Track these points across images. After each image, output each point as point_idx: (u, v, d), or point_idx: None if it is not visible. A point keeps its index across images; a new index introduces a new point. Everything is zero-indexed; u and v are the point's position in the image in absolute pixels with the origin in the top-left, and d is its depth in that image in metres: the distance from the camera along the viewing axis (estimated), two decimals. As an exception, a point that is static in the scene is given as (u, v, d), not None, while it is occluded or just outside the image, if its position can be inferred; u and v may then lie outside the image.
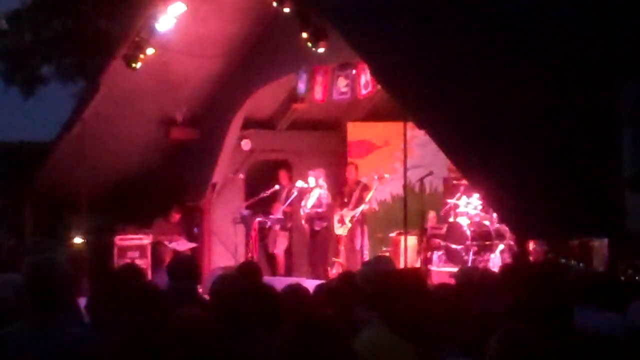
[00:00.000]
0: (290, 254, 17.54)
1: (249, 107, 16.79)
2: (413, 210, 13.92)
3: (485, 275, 8.09)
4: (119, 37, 16.07)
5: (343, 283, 7.71)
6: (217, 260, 17.20)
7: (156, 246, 16.97)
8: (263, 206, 16.97)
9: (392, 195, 17.10)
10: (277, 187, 16.78)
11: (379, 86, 13.60)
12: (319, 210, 16.01)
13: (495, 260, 14.05)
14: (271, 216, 16.72)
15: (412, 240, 14.70)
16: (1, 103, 32.13)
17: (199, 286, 14.39)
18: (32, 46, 29.62)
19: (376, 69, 12.69)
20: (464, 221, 14.56)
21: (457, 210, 14.95)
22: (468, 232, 14.26)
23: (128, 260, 15.48)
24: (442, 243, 14.79)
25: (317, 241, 16.18)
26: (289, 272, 16.99)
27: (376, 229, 16.46)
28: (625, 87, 10.47)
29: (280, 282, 9.10)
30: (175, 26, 14.71)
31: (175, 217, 17.36)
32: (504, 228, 13.91)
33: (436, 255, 14.93)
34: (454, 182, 15.16)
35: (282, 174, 17.13)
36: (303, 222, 16.29)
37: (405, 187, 13.75)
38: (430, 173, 14.91)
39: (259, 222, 16.47)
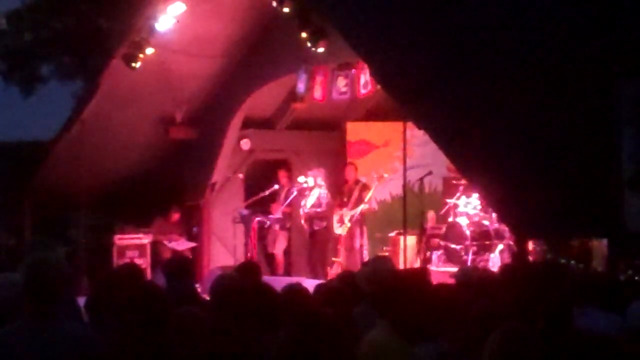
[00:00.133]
0: (289, 253, 17.54)
1: (248, 106, 16.79)
2: (412, 210, 13.93)
3: (484, 275, 8.10)
4: (118, 37, 16.06)
5: (343, 283, 7.72)
6: (217, 260, 17.20)
7: (155, 245, 16.96)
8: (262, 206, 16.97)
9: (391, 195, 17.10)
10: (276, 186, 16.78)
11: (378, 86, 13.59)
12: (319, 210, 16.01)
13: (494, 260, 14.04)
14: (270, 216, 16.71)
15: (411, 240, 14.70)
16: (1, 102, 32.13)
17: (198, 285, 14.47)
18: (32, 46, 29.61)
19: (376, 69, 12.69)
20: (463, 221, 14.55)
21: (457, 210, 14.94)
22: (467, 232, 14.26)
23: (127, 260, 15.50)
24: (442, 243, 14.79)
25: (317, 241, 16.18)
26: (288, 272, 16.99)
27: (375, 229, 16.46)
28: (625, 87, 10.46)
29: (279, 282, 9.09)
30: (174, 26, 14.71)
31: (175, 216, 17.36)
32: (504, 228, 13.91)
33: (435, 255, 14.93)
34: (454, 181, 15.15)
35: (282, 174, 17.14)
36: (302, 221, 16.29)
37: (404, 187, 13.74)
38: (430, 173, 14.91)
39: (259, 222, 16.47)
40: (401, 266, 13.60)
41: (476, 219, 14.62)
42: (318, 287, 7.80)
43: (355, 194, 15.73)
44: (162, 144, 17.58)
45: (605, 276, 9.61)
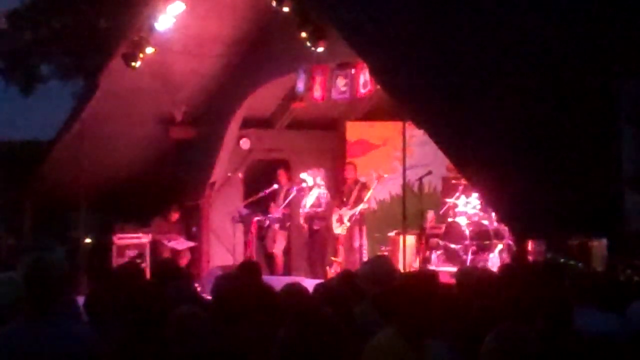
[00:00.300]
0: (288, 253, 17.52)
1: (248, 106, 16.79)
2: (412, 209, 13.92)
3: (484, 275, 8.10)
4: (118, 36, 16.06)
5: (342, 282, 7.71)
6: (216, 259, 17.21)
7: (155, 245, 16.96)
8: (262, 205, 16.97)
9: (390, 194, 17.08)
10: (275, 186, 16.77)
11: (377, 86, 13.59)
12: (318, 210, 16.00)
13: (494, 260, 14.03)
14: (270, 215, 16.72)
15: (410, 240, 14.68)
16: (0, 102, 32.11)
17: (197, 285, 14.46)
18: (32, 45, 29.61)
19: (375, 69, 12.69)
20: (462, 221, 14.54)
21: (456, 210, 14.93)
22: (467, 232, 14.25)
23: (126, 259, 15.51)
24: (441, 242, 14.77)
25: (316, 240, 16.17)
26: (287, 272, 16.97)
27: (375, 229, 16.45)
28: (625, 87, 10.46)
29: (278, 282, 9.09)
30: (174, 25, 14.71)
31: (174, 216, 17.36)
32: (503, 228, 13.90)
33: (435, 254, 14.91)
34: (453, 181, 15.14)
35: (281, 173, 17.12)
36: (302, 221, 16.28)
37: (404, 186, 13.74)
38: (429, 173, 14.90)
39: (258, 222, 16.47)
40: (400, 266, 13.59)
41: (475, 218, 14.61)
42: (317, 287, 7.80)
43: (355, 193, 15.72)
44: (162, 143, 17.59)
45: (605, 276, 9.61)
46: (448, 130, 11.34)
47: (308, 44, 13.71)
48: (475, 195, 14.45)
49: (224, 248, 17.26)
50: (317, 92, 15.32)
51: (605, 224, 10.41)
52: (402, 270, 12.18)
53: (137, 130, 17.08)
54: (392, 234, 15.42)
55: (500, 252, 14.24)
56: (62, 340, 4.80)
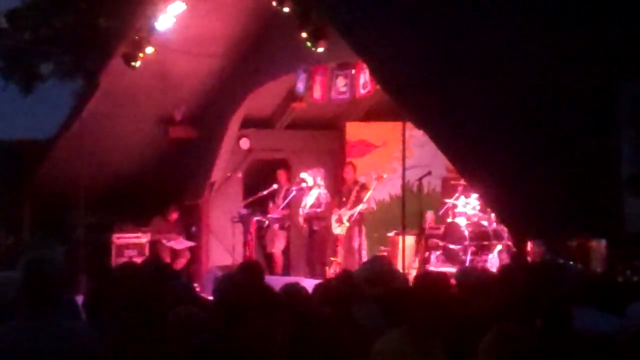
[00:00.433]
0: (288, 253, 17.53)
1: (247, 106, 16.80)
2: (411, 210, 13.93)
3: (484, 276, 8.10)
4: (118, 36, 16.06)
5: (341, 282, 7.71)
6: (215, 259, 17.22)
7: (154, 245, 16.97)
8: (261, 205, 16.98)
9: (390, 195, 17.09)
10: (275, 186, 16.77)
11: (377, 86, 13.60)
12: (318, 210, 16.00)
13: (493, 261, 14.05)
14: (269, 215, 16.72)
15: (410, 240, 14.70)
16: (0, 101, 32.07)
17: (196, 285, 14.47)
18: (31, 44, 29.58)
19: (375, 69, 12.70)
20: (462, 221, 14.56)
21: (456, 211, 14.95)
22: (466, 232, 14.26)
23: (126, 259, 15.51)
24: (440, 243, 14.79)
25: (315, 241, 16.17)
26: (286, 272, 16.98)
27: (374, 229, 16.47)
28: (624, 88, 10.46)
29: (278, 281, 9.09)
30: (174, 25, 14.71)
31: (174, 216, 17.36)
32: (502, 228, 13.92)
33: (434, 255, 14.93)
34: (453, 182, 15.15)
35: (281, 173, 17.12)
36: (301, 221, 16.28)
37: (403, 187, 13.74)
38: (429, 173, 14.91)
39: (257, 221, 16.48)
40: (400, 266, 13.60)
41: (475, 219, 14.63)
42: (317, 287, 7.81)
43: (354, 193, 15.72)
44: (162, 143, 17.60)
45: (604, 277, 9.61)
46: (448, 130, 11.34)
47: (308, 44, 13.71)
48: (474, 195, 14.46)
49: (223, 248, 17.27)
50: (317, 92, 15.33)
51: (605, 225, 10.41)
52: (401, 271, 12.19)
53: (136, 130, 17.08)
54: (391, 234, 15.44)
55: (500, 252, 14.26)
56: (61, 339, 4.81)
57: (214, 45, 15.98)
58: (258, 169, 18.11)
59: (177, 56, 15.59)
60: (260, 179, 17.55)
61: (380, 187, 16.24)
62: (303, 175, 16.25)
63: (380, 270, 7.30)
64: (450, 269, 13.62)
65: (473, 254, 14.17)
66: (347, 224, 15.66)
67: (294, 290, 7.05)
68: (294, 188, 16.36)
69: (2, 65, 29.88)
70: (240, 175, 17.72)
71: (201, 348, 5.31)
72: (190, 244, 17.30)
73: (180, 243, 17.16)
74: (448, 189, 15.58)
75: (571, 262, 10.63)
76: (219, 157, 17.09)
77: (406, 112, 12.49)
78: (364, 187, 15.75)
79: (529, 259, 11.24)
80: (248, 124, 17.49)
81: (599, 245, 10.84)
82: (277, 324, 5.71)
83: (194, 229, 17.59)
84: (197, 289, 13.01)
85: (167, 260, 16.29)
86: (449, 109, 11.36)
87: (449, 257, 14.54)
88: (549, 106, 10.90)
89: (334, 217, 15.85)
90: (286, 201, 16.38)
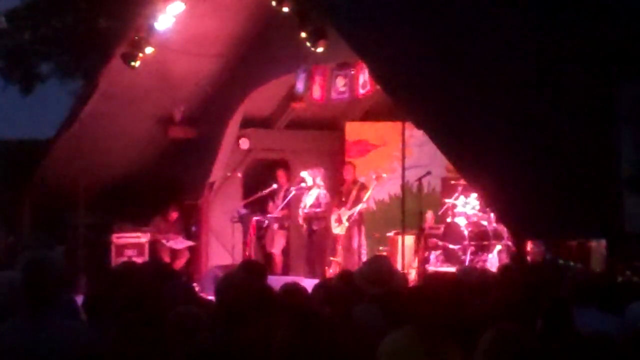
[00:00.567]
0: (287, 253, 17.53)
1: (247, 106, 16.78)
2: (411, 210, 13.92)
3: (483, 276, 8.10)
4: (117, 36, 16.05)
5: (341, 282, 7.72)
6: (215, 259, 17.20)
7: (153, 244, 16.96)
8: (261, 205, 16.98)
9: (389, 195, 17.09)
10: (275, 186, 16.77)
11: (377, 86, 13.59)
12: (317, 210, 15.99)
13: (492, 261, 14.05)
14: (269, 215, 16.72)
15: (409, 240, 14.70)
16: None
17: (196, 284, 14.46)
18: (31, 44, 29.58)
19: (375, 69, 12.69)
20: (461, 221, 14.55)
21: (455, 210, 14.94)
22: (466, 232, 14.26)
23: (125, 259, 15.50)
24: (440, 243, 14.79)
25: (315, 241, 16.16)
26: (286, 272, 16.97)
27: (374, 229, 16.45)
28: (624, 88, 10.46)
29: (277, 281, 9.09)
30: (174, 25, 14.70)
31: (173, 215, 17.34)
32: (502, 228, 13.92)
33: (434, 255, 14.93)
34: (452, 182, 15.15)
35: (280, 173, 17.12)
36: (301, 221, 16.28)
37: (403, 186, 13.74)
38: (428, 173, 14.89)
39: (257, 221, 16.47)
40: (399, 266, 13.60)
41: (474, 219, 14.62)
42: (316, 287, 7.81)
43: (354, 193, 15.72)
44: (161, 142, 17.59)
45: (604, 277, 9.62)
46: (447, 130, 11.33)
47: (308, 44, 13.69)
48: (474, 195, 14.47)
49: (223, 248, 17.26)
50: (317, 92, 15.33)
51: (604, 225, 10.41)
52: (400, 271, 12.19)
53: (136, 130, 17.07)
54: (391, 234, 15.43)
55: (499, 252, 14.26)
56: (60, 339, 4.81)
57: (213, 45, 15.98)
58: (257, 168, 18.11)
59: (177, 56, 15.58)
60: (259, 178, 17.54)
61: (380, 187, 16.24)
62: (303, 174, 16.24)
63: (380, 270, 7.29)
64: (450, 269, 13.64)
65: (472, 253, 14.17)
66: (347, 224, 15.66)
67: (294, 290, 7.06)
68: (293, 188, 16.35)
69: (2, 65, 29.91)
70: (239, 175, 17.71)
71: (201, 348, 5.30)
72: (190, 243, 17.28)
73: (180, 243, 17.15)
74: (448, 189, 15.58)
75: (571, 262, 10.64)
76: (218, 157, 17.08)
77: (406, 112, 12.48)
78: (363, 187, 15.75)
79: (528, 259, 11.25)
80: (247, 123, 17.49)
81: (599, 245, 10.85)
82: (276, 324, 5.71)
83: (193, 228, 17.57)
84: (197, 289, 13.03)
85: (167, 260, 16.30)
86: (448, 109, 11.35)
87: (449, 257, 14.54)
88: (548, 106, 10.90)
89: (333, 217, 15.85)
90: (286, 201, 16.37)
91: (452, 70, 11.45)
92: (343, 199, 15.85)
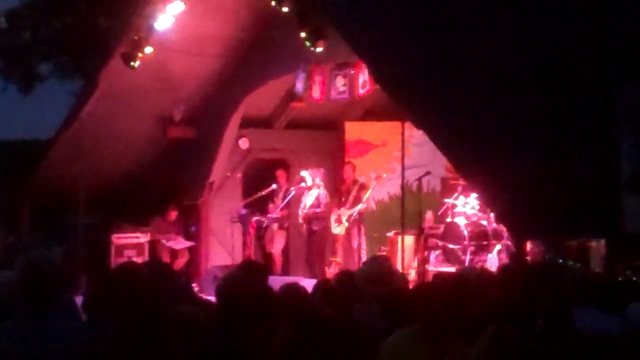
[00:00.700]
0: (287, 253, 17.52)
1: (246, 106, 16.79)
2: (410, 210, 13.92)
3: (483, 276, 8.10)
4: (117, 36, 16.06)
5: (341, 282, 7.71)
6: (214, 259, 17.20)
7: (153, 245, 16.95)
8: (260, 205, 16.97)
9: (389, 194, 17.09)
10: (274, 186, 16.77)
11: (377, 86, 13.59)
12: (317, 210, 15.99)
13: (492, 261, 14.04)
14: (269, 215, 16.71)
15: (409, 240, 14.70)
16: (-1, 101, 32.10)
17: (195, 285, 14.46)
18: (31, 44, 29.60)
19: (374, 69, 12.69)
20: (461, 221, 14.54)
21: (455, 210, 14.93)
22: (465, 232, 14.25)
23: (125, 259, 15.50)
24: (440, 243, 14.77)
25: (315, 241, 16.17)
26: (286, 272, 16.97)
27: (373, 229, 16.44)
28: (624, 89, 10.46)
29: (277, 282, 9.09)
30: (173, 25, 14.71)
31: (173, 215, 17.33)
32: (502, 228, 13.91)
33: (433, 255, 14.92)
34: (452, 182, 15.14)
35: (280, 173, 17.12)
36: (300, 221, 16.28)
37: (402, 186, 13.75)
38: (428, 173, 14.87)
39: (257, 221, 16.47)
40: (399, 266, 13.60)
41: (474, 219, 14.61)
42: (316, 286, 7.81)
43: (353, 193, 15.71)
44: (161, 143, 17.59)
45: (604, 277, 9.61)
46: (447, 130, 11.33)
47: (307, 43, 13.69)
48: (474, 195, 14.46)
49: (223, 248, 17.26)
50: (316, 92, 15.32)
51: (604, 225, 10.41)
52: (400, 271, 12.20)
53: (136, 130, 17.07)
54: (390, 234, 15.43)
55: (499, 252, 14.25)
56: (59, 339, 4.80)
57: (213, 45, 15.98)
58: (257, 169, 18.10)
59: (176, 56, 15.58)
60: (259, 179, 17.54)
61: (380, 187, 16.23)
62: (303, 173, 16.24)
63: (380, 270, 7.30)
64: (450, 269, 13.64)
65: (472, 253, 14.16)
66: (347, 224, 15.65)
67: (294, 290, 7.05)
68: (293, 188, 16.35)
69: (2, 65, 29.92)
70: (239, 175, 17.71)
71: (200, 348, 5.30)
72: (190, 244, 17.27)
73: (180, 243, 17.14)
74: (447, 189, 15.57)
75: (571, 262, 10.64)
76: (218, 157, 17.08)
77: (405, 111, 12.47)
78: (363, 187, 15.74)
79: (528, 259, 11.25)
80: (247, 123, 17.48)
81: (599, 245, 10.84)
82: (276, 324, 5.71)
83: (193, 229, 17.56)
84: (196, 289, 13.02)
85: (167, 260, 16.29)
86: (448, 109, 11.35)
87: (448, 256, 14.53)
88: (548, 106, 10.90)
89: (333, 217, 15.84)
90: (285, 201, 16.37)
91: (452, 70, 11.45)
92: (343, 199, 15.85)
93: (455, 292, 5.21)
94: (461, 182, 14.32)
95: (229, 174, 17.55)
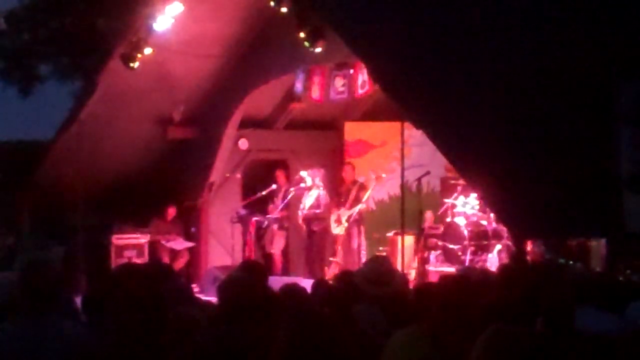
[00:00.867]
0: (287, 253, 17.53)
1: (246, 106, 16.78)
2: (410, 210, 13.91)
3: (483, 276, 8.09)
4: (116, 37, 16.06)
5: (341, 282, 7.71)
6: (214, 260, 17.20)
7: (153, 245, 16.96)
8: (260, 206, 16.97)
9: (389, 195, 17.09)
10: (274, 186, 16.77)
11: (376, 86, 13.59)
12: (317, 211, 15.99)
13: (492, 261, 14.04)
14: (268, 216, 16.71)
15: (409, 240, 14.70)
16: (-1, 103, 32.12)
17: (195, 285, 14.45)
18: (30, 45, 29.60)
19: (373, 69, 12.68)
20: (461, 221, 14.54)
21: (455, 210, 14.93)
22: (465, 232, 14.25)
23: (125, 260, 15.50)
24: (440, 243, 14.78)
25: (314, 241, 16.17)
26: (285, 272, 16.97)
27: (373, 229, 16.44)
28: (624, 88, 10.46)
29: (277, 282, 9.10)
30: (172, 26, 14.71)
31: (170, 212, 17.32)
32: (502, 228, 13.91)
33: (433, 255, 14.92)
34: (452, 181, 15.14)
35: (280, 174, 17.12)
36: (300, 222, 16.27)
37: (402, 186, 13.73)
38: (428, 173, 14.86)
39: (256, 222, 16.47)
40: (399, 266, 13.59)
41: (474, 219, 14.61)
42: (316, 284, 7.81)
43: (353, 193, 15.71)
44: (160, 143, 17.59)
45: (604, 276, 9.60)
46: (446, 130, 11.32)
47: (306, 44, 13.68)
48: (473, 195, 14.46)
49: (223, 248, 17.26)
50: (316, 93, 15.33)
51: (604, 225, 10.41)
52: (400, 271, 12.19)
53: (135, 131, 17.07)
54: (390, 234, 15.43)
55: (499, 252, 14.25)
56: (57, 340, 4.80)
57: (212, 45, 15.98)
58: (257, 169, 18.10)
59: (176, 57, 15.59)
60: (259, 179, 17.54)
61: (379, 187, 16.23)
62: (302, 173, 16.24)
63: (380, 270, 7.30)
64: (450, 269, 13.64)
65: (472, 253, 14.16)
66: (346, 224, 15.65)
67: (294, 290, 7.05)
68: (292, 188, 16.35)
69: (1, 66, 29.92)
70: (239, 175, 17.71)
71: (200, 349, 5.30)
72: (190, 245, 17.28)
73: (180, 244, 17.15)
74: (447, 189, 15.56)
75: (571, 262, 10.63)
76: (217, 157, 17.09)
77: (405, 111, 12.47)
78: (362, 187, 15.74)
79: (528, 259, 11.24)
80: (247, 124, 17.49)
81: (599, 245, 10.84)
82: (276, 325, 5.70)
83: (193, 229, 17.57)
84: (196, 290, 13.02)
85: (166, 261, 16.29)
86: (447, 109, 11.34)
87: (448, 256, 14.53)
88: (548, 106, 10.90)
89: (332, 217, 15.84)
90: (285, 202, 16.37)
91: (451, 70, 11.45)
92: (342, 199, 15.85)
93: (458, 293, 5.20)
94: (461, 182, 14.31)
95: (228, 175, 17.55)
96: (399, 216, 13.58)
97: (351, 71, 14.72)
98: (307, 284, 8.59)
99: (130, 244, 16.62)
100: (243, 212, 16.56)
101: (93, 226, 16.89)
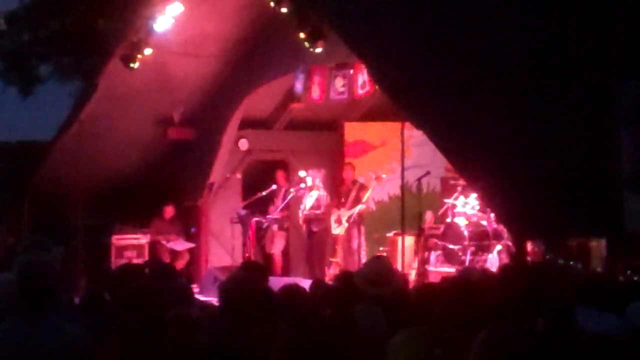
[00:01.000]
0: (287, 254, 17.53)
1: (246, 107, 16.78)
2: (410, 210, 13.90)
3: (483, 276, 8.09)
4: (116, 37, 16.07)
5: (341, 282, 7.71)
6: (214, 260, 17.20)
7: (153, 246, 16.95)
8: (260, 206, 16.96)
9: (389, 195, 17.09)
10: (274, 187, 16.76)
11: (376, 86, 13.59)
12: (317, 212, 15.98)
13: (492, 261, 14.03)
14: (268, 216, 16.71)
15: (409, 241, 14.69)
16: None
17: (195, 286, 14.45)
18: (30, 46, 29.58)
19: (373, 69, 12.68)
20: (461, 221, 14.54)
21: (455, 211, 14.93)
22: (465, 233, 14.25)
23: (125, 260, 15.51)
24: (440, 243, 14.77)
25: (315, 242, 16.16)
26: (286, 272, 16.98)
27: (373, 229, 16.44)
28: (624, 87, 10.45)
29: (277, 282, 9.10)
30: (172, 26, 14.72)
31: (168, 212, 17.31)
32: (502, 228, 13.90)
33: (433, 255, 14.91)
34: (452, 182, 15.14)
35: (279, 174, 17.12)
36: (301, 222, 16.27)
37: (402, 187, 13.73)
38: (428, 173, 14.87)
39: (257, 222, 16.46)
40: (399, 266, 13.60)
41: (474, 219, 14.61)
42: (314, 284, 7.81)
43: (353, 194, 15.71)
44: (160, 144, 17.59)
45: (604, 276, 9.60)
46: (446, 130, 11.32)
47: (306, 44, 13.69)
48: (473, 195, 14.45)
49: (223, 249, 17.26)
50: (316, 93, 15.33)
51: (605, 225, 10.39)
52: (400, 271, 12.19)
53: (135, 131, 17.07)
54: (390, 234, 15.43)
55: (499, 252, 14.25)
56: (55, 340, 4.79)
57: (212, 46, 15.98)
58: (257, 169, 18.10)
59: (176, 57, 15.59)
60: (259, 179, 17.54)
61: (379, 188, 16.23)
62: (302, 174, 16.24)
63: (380, 271, 7.28)
64: (450, 269, 13.64)
65: (472, 254, 14.16)
66: (346, 225, 15.64)
67: (294, 291, 7.05)
68: (292, 189, 16.35)
69: (1, 67, 29.91)
70: (239, 176, 17.71)
71: (200, 349, 5.30)
72: (190, 245, 17.28)
73: (180, 244, 17.15)
74: (447, 189, 15.57)
75: (571, 262, 10.63)
76: (217, 158, 17.08)
77: (405, 112, 12.47)
78: (362, 188, 15.74)
79: (528, 259, 11.23)
80: (246, 124, 17.49)
81: (599, 245, 10.84)
82: (276, 325, 5.70)
83: (193, 230, 17.57)
84: (196, 290, 13.02)
85: (167, 261, 16.29)
86: (447, 109, 11.33)
87: (449, 257, 14.52)
88: (548, 106, 10.89)
89: (333, 218, 15.84)
90: (285, 202, 16.37)
91: (451, 70, 11.44)
92: (342, 200, 15.84)
93: (458, 293, 5.21)
94: (461, 182, 14.31)
95: (228, 175, 17.55)
96: (399, 216, 13.58)
97: (351, 71, 14.73)
98: (307, 284, 8.59)
99: (131, 245, 16.63)
100: (243, 212, 16.55)
101: (93, 226, 16.90)
